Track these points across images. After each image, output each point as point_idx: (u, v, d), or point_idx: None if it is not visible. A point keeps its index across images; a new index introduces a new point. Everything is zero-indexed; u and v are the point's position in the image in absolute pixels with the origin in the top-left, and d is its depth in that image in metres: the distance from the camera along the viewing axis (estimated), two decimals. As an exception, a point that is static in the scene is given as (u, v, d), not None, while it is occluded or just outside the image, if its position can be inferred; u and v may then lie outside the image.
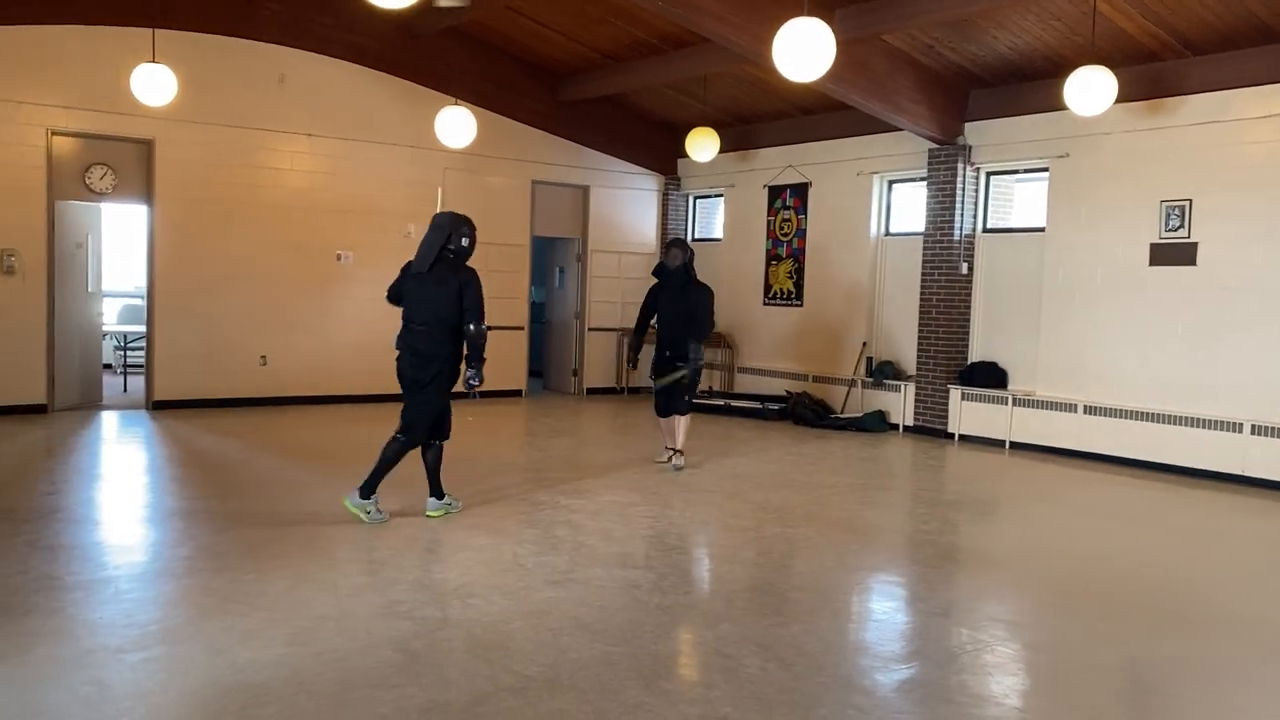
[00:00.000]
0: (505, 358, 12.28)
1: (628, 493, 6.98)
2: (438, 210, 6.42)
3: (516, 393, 12.38)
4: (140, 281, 13.82)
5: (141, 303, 13.60)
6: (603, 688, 3.56)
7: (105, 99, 9.54)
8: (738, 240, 12.58)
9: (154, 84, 8.49)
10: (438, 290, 5.82)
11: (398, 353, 5.95)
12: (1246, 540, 6.47)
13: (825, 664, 3.89)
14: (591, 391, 13.07)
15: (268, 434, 9.04)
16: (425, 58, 11.02)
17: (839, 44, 6.26)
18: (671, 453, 7.93)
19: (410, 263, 6.00)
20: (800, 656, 3.95)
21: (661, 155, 13.15)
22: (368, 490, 5.78)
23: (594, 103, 12.17)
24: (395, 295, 6.05)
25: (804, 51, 6.14)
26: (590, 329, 12.95)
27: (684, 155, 11.56)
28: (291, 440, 8.82)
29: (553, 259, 13.48)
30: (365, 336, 11.16)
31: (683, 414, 7.86)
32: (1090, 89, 7.45)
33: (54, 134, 9.51)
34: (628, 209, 13.21)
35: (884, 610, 4.88)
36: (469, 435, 9.45)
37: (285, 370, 10.75)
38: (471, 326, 5.79)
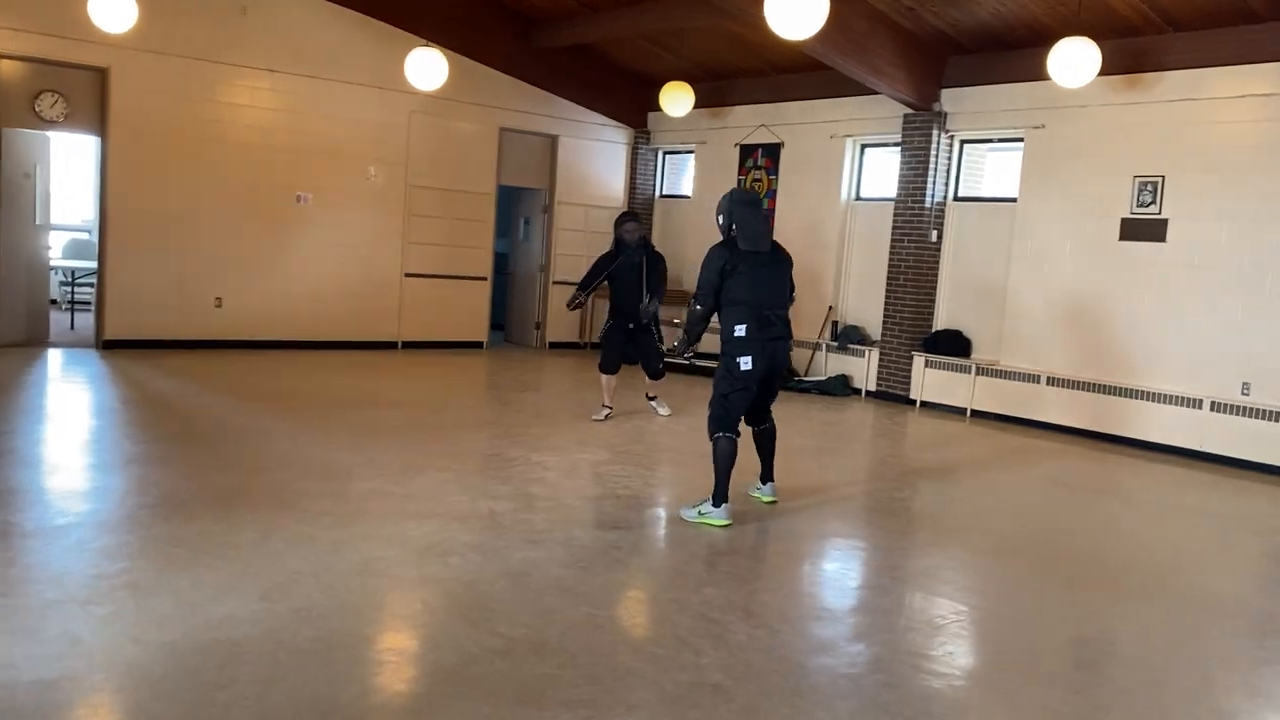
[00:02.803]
0: (467, 309, 12.12)
1: (598, 450, 6.92)
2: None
3: (478, 344, 12.22)
4: (87, 215, 13.38)
5: (89, 237, 13.17)
6: (592, 652, 3.51)
7: (58, 23, 9.09)
8: (707, 198, 12.42)
9: (112, 9, 8.10)
10: (785, 271, 5.44)
11: (755, 347, 5.19)
12: (1201, 515, 6.60)
13: (807, 631, 3.88)
14: (554, 346, 12.95)
15: (224, 377, 8.81)
16: (394, -5, 10.68)
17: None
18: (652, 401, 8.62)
19: (724, 247, 5.34)
20: (785, 623, 3.94)
21: (632, 108, 12.94)
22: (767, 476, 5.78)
23: (567, 51, 11.90)
24: (716, 286, 5.29)
25: (797, 8, 6.04)
26: (554, 282, 12.78)
27: (656, 109, 11.37)
28: (249, 384, 8.60)
29: (518, 209, 13.25)
30: (323, 282, 10.91)
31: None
32: (1075, 61, 7.43)
33: (2, 57, 9.07)
34: (596, 161, 13.00)
35: (851, 574, 4.89)
36: (433, 389, 9.31)
37: (241, 313, 10.46)
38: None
